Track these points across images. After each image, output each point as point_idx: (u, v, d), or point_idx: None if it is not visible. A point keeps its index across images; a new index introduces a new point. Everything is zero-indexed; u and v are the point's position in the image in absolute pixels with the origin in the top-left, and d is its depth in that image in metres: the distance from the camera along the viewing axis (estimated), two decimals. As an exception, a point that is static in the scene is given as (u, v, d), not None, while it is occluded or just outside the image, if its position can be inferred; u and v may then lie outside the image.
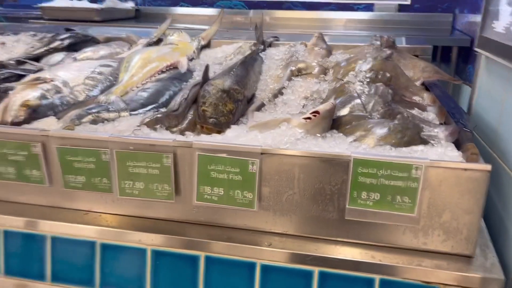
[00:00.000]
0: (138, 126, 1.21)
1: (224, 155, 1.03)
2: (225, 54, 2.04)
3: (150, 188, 1.10)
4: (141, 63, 1.63)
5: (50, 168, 1.16)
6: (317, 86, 1.66)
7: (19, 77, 1.62)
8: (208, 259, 1.08)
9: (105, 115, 1.28)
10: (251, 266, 1.06)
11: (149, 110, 1.39)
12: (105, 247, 1.14)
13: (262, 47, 2.06)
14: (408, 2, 4.79)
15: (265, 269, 1.06)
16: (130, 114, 1.33)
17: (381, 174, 0.96)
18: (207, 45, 2.23)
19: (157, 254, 1.11)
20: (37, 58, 1.87)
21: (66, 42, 2.03)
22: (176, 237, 1.09)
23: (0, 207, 1.21)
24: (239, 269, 1.07)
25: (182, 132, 1.31)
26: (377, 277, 1.00)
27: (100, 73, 1.57)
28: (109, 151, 1.10)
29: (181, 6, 5.32)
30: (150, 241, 1.11)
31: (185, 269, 1.09)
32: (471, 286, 0.95)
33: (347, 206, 1.00)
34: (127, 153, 1.09)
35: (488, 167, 0.93)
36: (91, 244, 1.14)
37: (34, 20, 4.51)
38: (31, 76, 1.46)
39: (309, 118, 1.21)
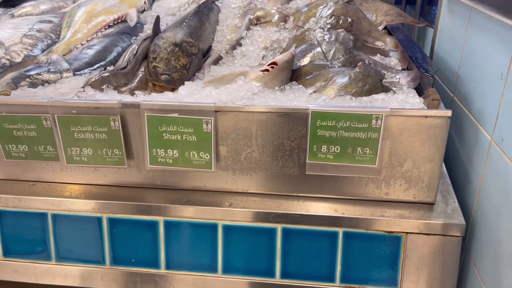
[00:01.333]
0: (82, 87, 1.12)
1: (175, 115, 0.97)
2: (179, 4, 1.91)
3: (99, 154, 1.03)
4: (85, 17, 1.50)
5: (-10, 138, 1.07)
6: (277, 35, 1.58)
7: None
8: (167, 224, 1.04)
9: (45, 76, 1.18)
10: (213, 227, 1.03)
11: (95, 69, 1.28)
12: (57, 218, 1.07)
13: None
14: None
15: (228, 229, 1.02)
16: (74, 75, 1.23)
17: (341, 126, 0.92)
18: (161, -5, 2.08)
19: (113, 222, 1.06)
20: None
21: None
22: (132, 203, 1.04)
23: None
24: (201, 231, 1.03)
25: (131, 92, 1.22)
26: (340, 230, 0.99)
27: (39, 30, 1.43)
28: (51, 117, 1.01)
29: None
30: (105, 209, 1.05)
31: (145, 235, 1.05)
32: (433, 233, 0.95)
33: (307, 160, 0.97)
34: (70, 118, 1.00)
35: (449, 113, 0.91)
36: (43, 216, 1.08)
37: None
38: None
39: (266, 70, 1.15)
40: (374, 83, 1.12)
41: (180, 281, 1.06)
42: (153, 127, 0.98)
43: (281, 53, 1.47)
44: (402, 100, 1.02)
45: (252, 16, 1.69)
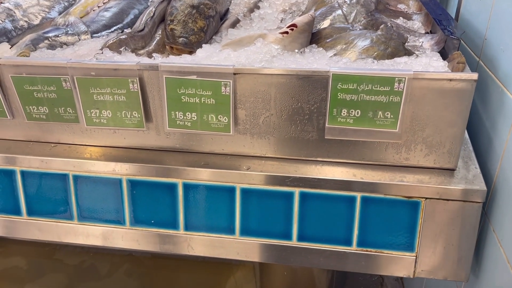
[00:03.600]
0: (100, 49, 1.11)
1: (194, 77, 0.96)
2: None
3: (118, 116, 1.04)
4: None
5: (9, 100, 1.08)
6: (296, -2, 1.54)
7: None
8: (186, 186, 1.05)
9: (63, 38, 1.17)
10: (231, 190, 1.03)
11: (112, 32, 1.27)
12: (78, 179, 1.09)
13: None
14: None
15: (245, 192, 1.03)
16: (92, 37, 1.22)
17: (362, 89, 0.90)
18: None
19: (133, 184, 1.07)
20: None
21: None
22: (151, 165, 1.05)
23: (-38, 143, 1.14)
24: (218, 194, 1.04)
25: (149, 55, 1.21)
26: (358, 195, 0.98)
27: (55, -7, 1.42)
28: (70, 78, 1.01)
29: None
30: (124, 170, 1.06)
31: (164, 197, 1.07)
32: (452, 199, 0.94)
33: (326, 125, 0.96)
34: (89, 80, 1.00)
35: (474, 76, 0.88)
36: (64, 177, 1.10)
37: None
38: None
39: (286, 32, 1.12)
40: (397, 46, 1.08)
41: (198, 242, 1.08)
42: (171, 90, 0.98)
43: (300, 15, 1.44)
44: (425, 63, 0.99)
45: (271, -22, 1.64)
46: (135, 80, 0.99)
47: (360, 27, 1.22)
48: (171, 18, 1.25)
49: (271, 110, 0.98)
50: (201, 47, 1.20)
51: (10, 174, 1.12)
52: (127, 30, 1.26)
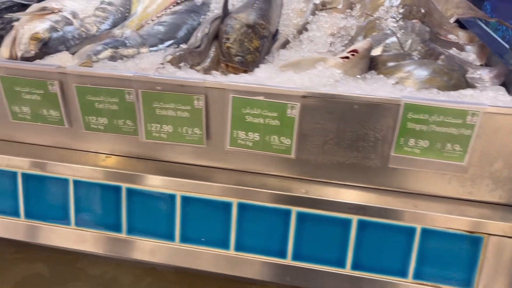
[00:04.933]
0: (162, 63, 1.12)
1: (261, 98, 0.95)
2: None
3: (179, 132, 1.03)
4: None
5: (69, 108, 1.08)
6: (344, 22, 1.55)
7: (22, 6, 1.49)
8: (241, 206, 1.04)
9: (123, 51, 1.18)
10: (286, 213, 1.02)
11: (168, 46, 1.28)
12: (131, 192, 1.08)
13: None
14: None
15: (301, 216, 1.02)
16: (149, 50, 1.23)
17: (433, 120, 0.90)
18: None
19: (186, 200, 1.06)
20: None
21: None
22: (208, 183, 1.04)
23: (16, 149, 1.14)
24: (273, 216, 1.03)
25: (205, 71, 1.22)
26: (418, 227, 0.97)
27: (110, 4, 1.43)
28: (134, 91, 1.01)
29: None
30: (179, 186, 1.05)
31: (217, 216, 1.05)
32: (516, 236, 0.93)
33: (392, 153, 0.95)
34: (154, 94, 1.00)
35: (549, 114, 0.87)
36: (116, 189, 1.09)
37: None
38: (36, 5, 1.32)
39: (346, 57, 1.12)
40: (459, 78, 1.08)
41: (253, 264, 1.06)
42: (236, 109, 0.98)
43: (350, 40, 1.45)
44: (492, 97, 0.99)
45: (317, 1, 1.65)
46: (201, 97, 0.98)
47: (418, 56, 1.21)
48: (226, 36, 1.26)
49: (335, 134, 0.98)
50: (256, 66, 1.21)
51: (62, 182, 1.11)
52: (184, 46, 1.27)
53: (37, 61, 1.12)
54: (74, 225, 1.14)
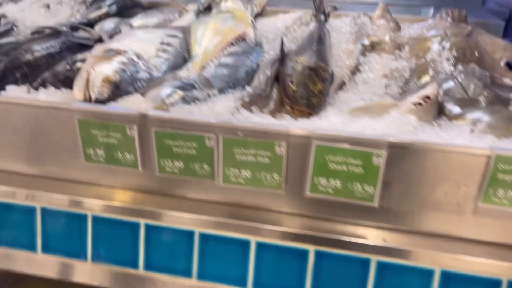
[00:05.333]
0: (236, 108, 1.13)
1: (346, 145, 0.96)
2: (285, 25, 1.92)
3: (257, 177, 1.03)
4: (211, 35, 1.52)
5: (144, 152, 1.08)
6: (395, 64, 1.57)
7: (80, 46, 1.51)
8: (318, 254, 1.02)
9: (194, 93, 1.19)
10: (365, 262, 1.01)
11: (234, 89, 1.29)
12: (204, 238, 1.07)
13: (323, 18, 1.94)
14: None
15: (381, 266, 1.00)
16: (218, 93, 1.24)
17: (523, 171, 0.90)
18: (260, 13, 2.11)
19: (261, 247, 1.05)
20: (90, 25, 1.74)
21: (114, 7, 1.89)
22: (284, 228, 1.03)
23: (88, 191, 1.13)
24: (353, 266, 1.01)
25: (272, 114, 1.22)
26: (505, 279, 0.95)
27: (169, 44, 1.45)
28: (215, 137, 1.01)
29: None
30: (254, 232, 1.04)
31: (293, 263, 1.04)
32: None
33: (479, 203, 0.94)
34: (236, 140, 1.00)
35: None
36: (189, 234, 1.08)
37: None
38: (101, 47, 1.35)
39: (419, 103, 1.13)
40: (534, 126, 1.08)
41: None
42: (320, 156, 0.98)
43: (404, 83, 1.46)
44: None
45: (366, 43, 1.68)
46: (283, 143, 0.99)
47: (485, 101, 1.22)
48: (290, 79, 1.27)
49: (420, 183, 0.97)
50: (321, 109, 1.22)
51: (134, 227, 1.10)
52: (249, 89, 1.29)
53: (116, 104, 1.13)
54: (144, 269, 1.12)
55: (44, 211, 1.13)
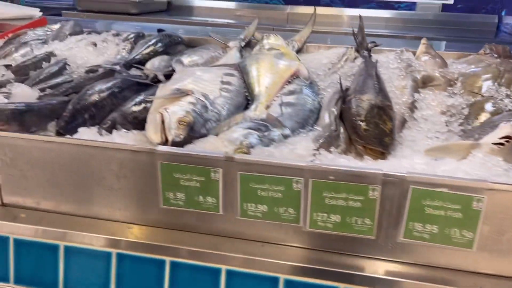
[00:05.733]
0: (317, 149, 1.11)
1: (444, 190, 0.94)
2: (330, 61, 1.93)
3: (347, 222, 1.00)
4: (268, 73, 1.52)
5: (226, 195, 1.06)
6: (451, 100, 1.56)
7: (138, 85, 1.51)
8: (413, 301, 0.99)
9: (269, 134, 1.17)
10: (462, 310, 0.97)
11: (303, 128, 1.28)
12: (290, 284, 1.04)
13: (366, 53, 1.96)
14: (451, 2, 4.70)
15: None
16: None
17: None
18: (301, 49, 2.13)
19: (350, 293, 1.01)
20: (140, 63, 1.75)
21: (160, 44, 1.90)
22: (375, 275, 1.00)
23: (163, 236, 1.10)
24: (447, 312, 0.98)
25: (345, 154, 1.21)
26: None
27: (229, 83, 1.45)
28: (304, 180, 0.99)
29: (215, -1, 5.17)
30: (343, 278, 1.01)
31: (386, 311, 1.00)
32: None
33: None
34: (327, 183, 0.98)
35: None
36: (274, 280, 1.04)
37: (68, 12, 4.38)
38: (167, 87, 1.34)
39: (501, 144, 1.12)
40: None
41: None
42: (416, 200, 0.95)
43: (464, 120, 1.45)
44: None
45: (418, 79, 1.69)
46: (377, 187, 0.97)
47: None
48: (360, 118, 1.26)
49: (518, 228, 0.95)
50: (392, 149, 1.21)
51: (214, 272, 1.07)
52: (318, 128, 1.27)
53: (192, 146, 1.11)
54: (223, 317, 1.08)
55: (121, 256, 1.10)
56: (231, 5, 5.03)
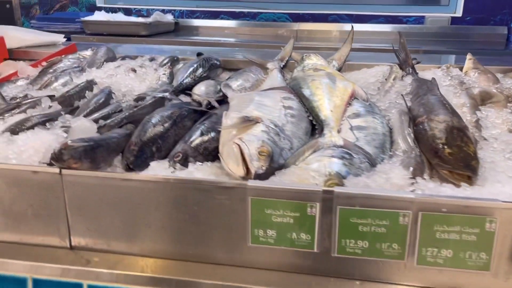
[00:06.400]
0: (413, 177, 1.04)
1: None
2: (376, 79, 1.88)
3: (460, 257, 0.93)
4: (328, 95, 1.46)
5: (322, 231, 0.98)
6: (515, 118, 1.51)
7: (194, 112, 1.44)
8: None
9: (355, 162, 1.11)
10: None
11: (383, 154, 1.22)
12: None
13: (411, 70, 1.91)
14: (459, 15, 4.72)
15: None
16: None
17: None
18: (340, 68, 2.08)
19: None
20: (186, 88, 1.69)
21: (201, 70, 1.84)
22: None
23: (251, 276, 1.02)
24: None
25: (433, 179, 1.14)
26: None
27: (291, 108, 1.39)
28: (413, 213, 0.92)
29: (222, 18, 5.17)
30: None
31: None
32: None
33: None
34: (438, 216, 0.91)
35: None
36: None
37: (77, 35, 4.33)
38: (235, 115, 1.27)
39: None
40: None
41: None
42: (538, 232, 0.89)
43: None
44: None
45: (476, 96, 1.64)
46: (494, 219, 0.90)
47: None
48: (441, 141, 1.20)
49: None
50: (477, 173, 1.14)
51: (312, 315, 0.98)
52: (399, 153, 1.21)
53: (276, 179, 1.04)
54: None
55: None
56: (239, 23, 5.02)
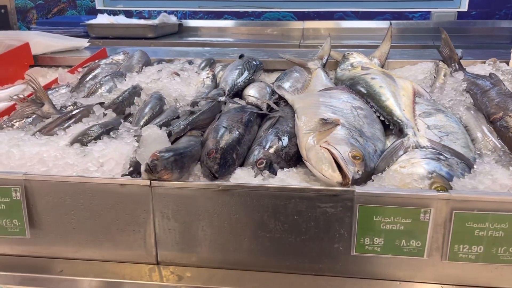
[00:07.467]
0: (517, 179, 1.00)
1: None
2: (424, 76, 1.84)
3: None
4: (396, 94, 1.41)
5: (435, 236, 0.94)
6: None
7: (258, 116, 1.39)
8: None
9: (452, 163, 1.06)
10: None
11: (472, 153, 1.18)
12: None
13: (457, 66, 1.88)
14: (465, 9, 4.72)
15: None
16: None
17: None
18: (382, 66, 2.04)
19: None
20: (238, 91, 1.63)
21: (247, 73, 1.78)
22: None
23: (355, 285, 0.97)
24: None
25: None
26: None
27: (361, 109, 1.34)
28: None
29: (225, 19, 5.10)
30: None
31: None
32: None
33: None
34: None
35: None
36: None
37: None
38: (313, 118, 1.21)
39: None
40: None
41: None
42: None
43: None
44: None
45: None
46: None
47: None
48: None
49: None
50: None
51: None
52: (487, 152, 1.17)
53: (391, 186, 0.99)
54: None
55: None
56: (243, 23, 4.96)
